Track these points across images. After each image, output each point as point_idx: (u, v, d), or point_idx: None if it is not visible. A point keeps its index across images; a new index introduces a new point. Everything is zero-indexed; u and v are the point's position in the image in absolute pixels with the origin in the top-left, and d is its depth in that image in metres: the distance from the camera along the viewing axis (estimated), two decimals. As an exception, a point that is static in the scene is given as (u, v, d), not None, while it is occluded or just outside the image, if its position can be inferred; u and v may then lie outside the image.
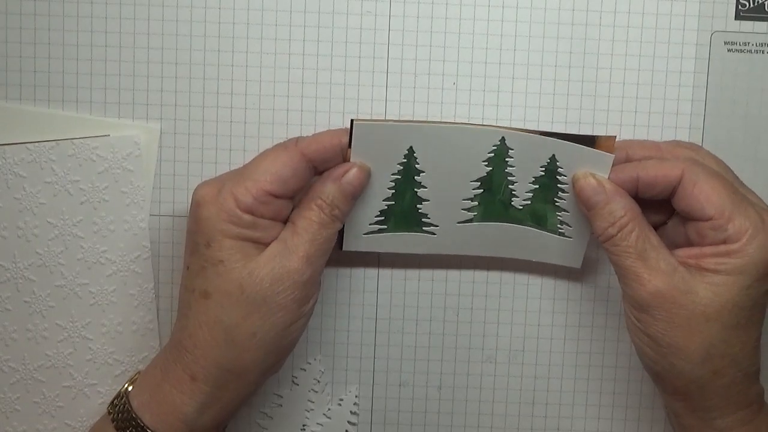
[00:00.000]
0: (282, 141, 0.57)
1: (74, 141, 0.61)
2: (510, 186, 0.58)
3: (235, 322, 0.54)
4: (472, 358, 0.64)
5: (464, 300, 0.64)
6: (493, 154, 0.57)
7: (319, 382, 0.64)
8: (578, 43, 0.61)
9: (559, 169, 0.57)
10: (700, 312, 0.53)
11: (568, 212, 0.59)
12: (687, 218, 0.56)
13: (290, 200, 0.56)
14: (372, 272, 0.64)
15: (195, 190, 0.56)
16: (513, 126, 0.61)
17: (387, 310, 0.64)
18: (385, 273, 0.63)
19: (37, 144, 0.60)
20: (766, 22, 0.61)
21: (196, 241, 0.55)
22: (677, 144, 0.59)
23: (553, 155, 0.57)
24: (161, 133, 0.62)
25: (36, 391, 0.62)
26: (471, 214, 0.59)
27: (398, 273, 0.63)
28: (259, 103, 0.61)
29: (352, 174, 0.56)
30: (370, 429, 0.65)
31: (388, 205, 0.59)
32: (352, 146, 0.56)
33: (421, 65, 0.61)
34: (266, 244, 0.55)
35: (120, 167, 0.61)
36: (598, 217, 0.56)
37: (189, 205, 0.57)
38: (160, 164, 0.62)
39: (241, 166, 0.57)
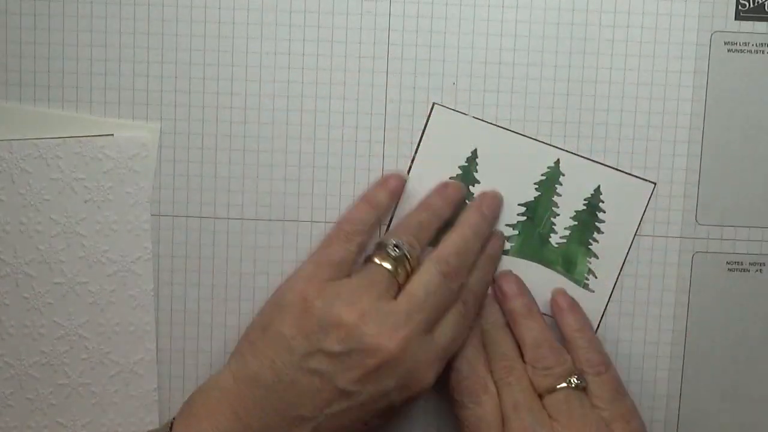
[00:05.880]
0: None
1: (81, 139, 0.61)
2: (552, 218, 0.60)
3: None
4: (472, 359, 0.64)
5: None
6: (545, 177, 0.60)
7: (318, 382, 0.64)
8: (578, 43, 0.61)
9: (601, 204, 0.60)
10: None
11: (598, 258, 0.60)
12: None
13: None
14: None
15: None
16: (567, 148, 0.61)
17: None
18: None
19: (44, 140, 0.61)
20: (766, 22, 0.61)
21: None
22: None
23: (599, 186, 0.60)
24: (161, 133, 0.62)
25: (30, 387, 0.62)
26: (509, 245, 0.61)
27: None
28: (259, 103, 0.62)
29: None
30: (369, 430, 0.65)
31: None
32: (426, 129, 0.60)
33: (421, 65, 0.61)
34: None
35: (126, 167, 0.61)
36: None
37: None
38: (160, 164, 0.62)
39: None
